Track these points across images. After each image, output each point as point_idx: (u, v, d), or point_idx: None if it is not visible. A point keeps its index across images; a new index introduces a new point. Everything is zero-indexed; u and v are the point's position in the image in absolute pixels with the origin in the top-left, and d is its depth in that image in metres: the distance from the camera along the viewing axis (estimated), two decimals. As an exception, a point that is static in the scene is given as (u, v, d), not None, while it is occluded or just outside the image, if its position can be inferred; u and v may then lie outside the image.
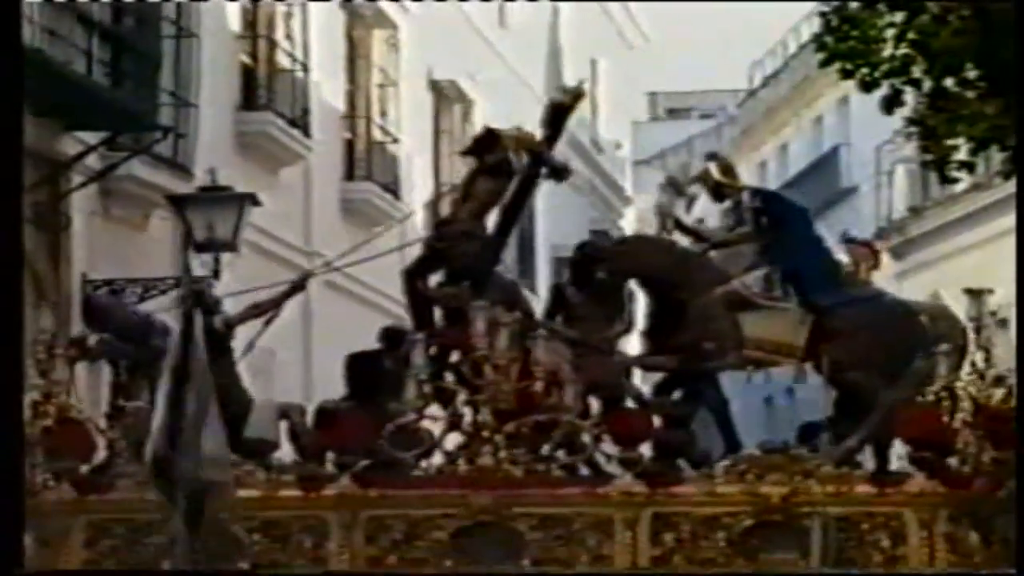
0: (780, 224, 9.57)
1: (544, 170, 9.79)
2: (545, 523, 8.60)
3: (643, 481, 8.67)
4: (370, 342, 9.97)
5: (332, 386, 10.32)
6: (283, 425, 9.46)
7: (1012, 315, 17.72)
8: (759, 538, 8.51)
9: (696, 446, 9.29)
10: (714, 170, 9.81)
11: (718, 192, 9.80)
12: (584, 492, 8.69)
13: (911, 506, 8.44)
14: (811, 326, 9.21)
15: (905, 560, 8.39)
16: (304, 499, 8.77)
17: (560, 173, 9.91)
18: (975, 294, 8.81)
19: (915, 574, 8.29)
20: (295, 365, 14.56)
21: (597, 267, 9.57)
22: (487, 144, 9.76)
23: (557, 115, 9.93)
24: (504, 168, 9.65)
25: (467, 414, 8.77)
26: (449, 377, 9.15)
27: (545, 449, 8.90)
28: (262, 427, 9.28)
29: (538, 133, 9.93)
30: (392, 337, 9.59)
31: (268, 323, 9.67)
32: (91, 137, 11.92)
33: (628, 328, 9.76)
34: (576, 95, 10.04)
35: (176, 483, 7.73)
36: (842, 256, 10.20)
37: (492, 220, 9.90)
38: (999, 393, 8.45)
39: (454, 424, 8.79)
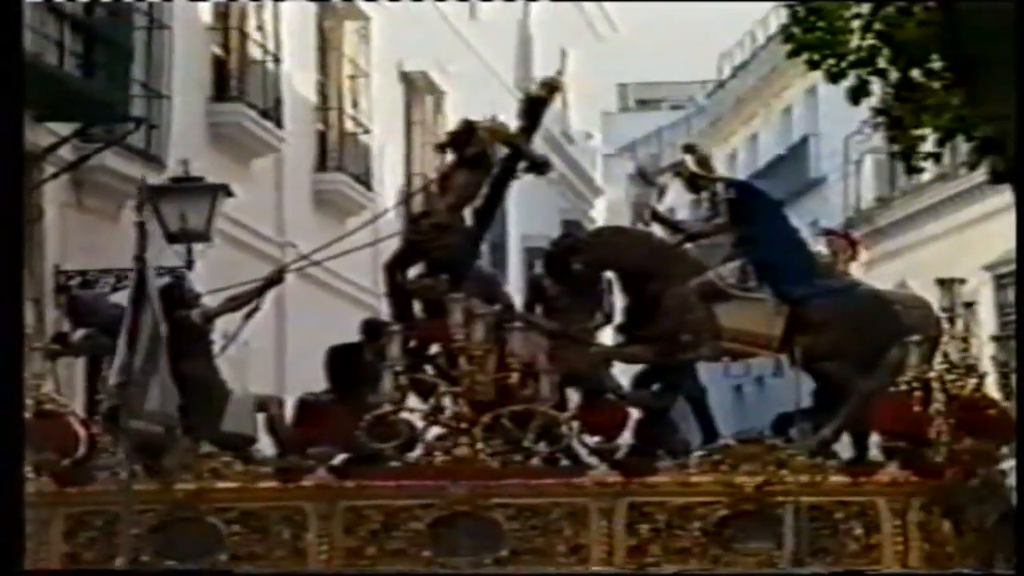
0: (755, 215, 9.61)
1: (523, 164, 9.79)
2: (522, 513, 8.65)
3: (618, 471, 8.72)
4: (342, 332, 9.97)
5: (304, 376, 10.31)
6: (261, 417, 9.48)
7: (976, 305, 17.93)
8: (734, 528, 8.55)
9: (675, 437, 9.34)
10: (690, 162, 9.82)
11: (694, 184, 9.83)
12: (560, 482, 8.72)
13: (884, 495, 8.48)
14: (787, 317, 9.25)
15: (879, 549, 8.46)
16: (282, 490, 8.79)
17: (540, 167, 9.89)
18: (947, 284, 8.86)
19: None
20: (267, 355, 14.56)
21: (574, 259, 9.61)
22: (464, 137, 9.73)
23: (534, 107, 9.93)
24: (482, 161, 9.64)
25: (446, 406, 8.79)
26: (428, 369, 9.18)
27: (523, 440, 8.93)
28: (240, 419, 9.30)
29: (512, 125, 9.94)
30: (372, 329, 9.60)
31: (249, 316, 9.64)
32: (64, 128, 11.87)
33: (607, 319, 9.80)
34: (552, 87, 10.03)
35: (123, 433, 7.92)
36: (820, 247, 10.26)
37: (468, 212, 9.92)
38: (971, 382, 8.52)
39: (434, 416, 8.81)
